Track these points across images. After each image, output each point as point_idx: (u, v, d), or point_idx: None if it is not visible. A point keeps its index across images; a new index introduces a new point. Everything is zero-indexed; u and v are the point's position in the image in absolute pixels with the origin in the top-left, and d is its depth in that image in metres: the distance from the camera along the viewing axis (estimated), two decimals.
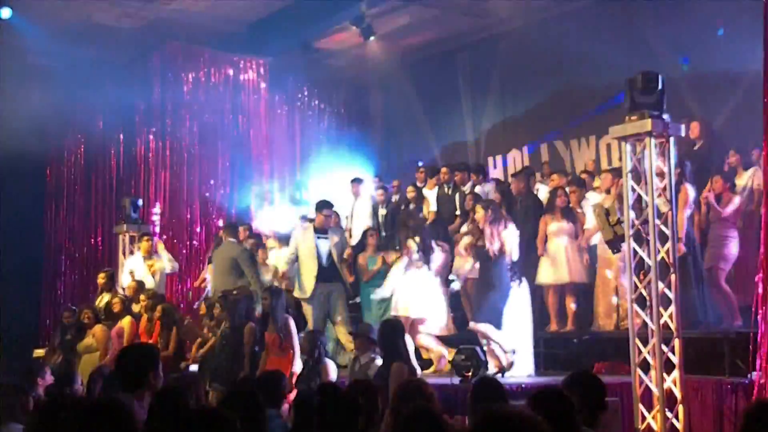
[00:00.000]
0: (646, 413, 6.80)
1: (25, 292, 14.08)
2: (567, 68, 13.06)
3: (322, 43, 14.29)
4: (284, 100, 15.75)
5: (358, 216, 11.90)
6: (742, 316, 7.83)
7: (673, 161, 7.04)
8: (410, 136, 15.67)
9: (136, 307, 9.97)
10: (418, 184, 11.90)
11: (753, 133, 8.30)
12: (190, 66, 14.20)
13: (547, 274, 9.25)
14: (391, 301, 9.19)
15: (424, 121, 15.26)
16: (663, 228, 6.97)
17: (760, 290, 6.45)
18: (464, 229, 9.73)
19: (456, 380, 7.40)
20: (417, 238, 9.18)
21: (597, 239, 9.11)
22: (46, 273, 15.08)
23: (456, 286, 9.54)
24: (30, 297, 14.43)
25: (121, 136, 14.59)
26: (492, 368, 8.07)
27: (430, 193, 11.52)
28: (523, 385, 7.36)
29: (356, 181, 12.24)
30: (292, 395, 5.99)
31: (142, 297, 9.94)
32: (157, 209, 13.59)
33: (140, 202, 12.41)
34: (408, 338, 7.23)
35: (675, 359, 6.80)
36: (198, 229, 14.00)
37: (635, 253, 7.03)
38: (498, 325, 8.09)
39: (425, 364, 8.76)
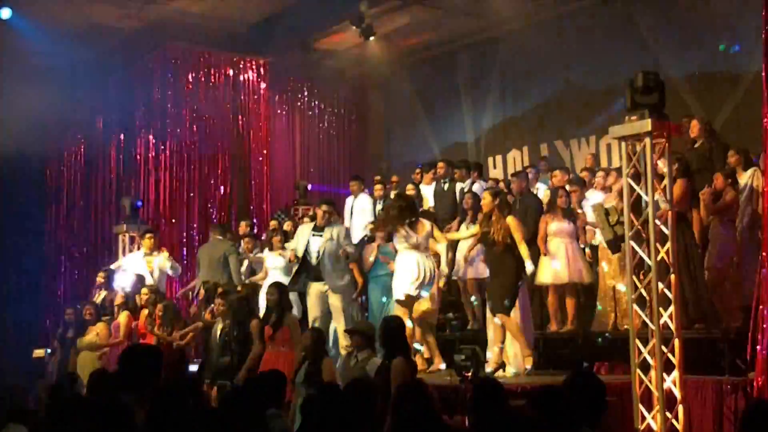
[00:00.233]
0: (645, 413, 6.80)
1: (25, 292, 14.09)
2: (567, 69, 13.07)
3: (322, 43, 14.30)
4: (284, 100, 15.78)
5: (357, 213, 11.87)
6: (742, 316, 7.82)
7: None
8: (410, 136, 15.66)
9: (137, 301, 10.06)
10: (414, 182, 11.90)
11: (753, 133, 8.31)
12: (190, 66, 14.21)
13: (546, 273, 9.25)
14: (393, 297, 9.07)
15: (424, 121, 15.28)
16: (663, 228, 6.97)
17: (760, 290, 6.45)
18: (463, 230, 9.68)
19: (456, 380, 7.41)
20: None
21: (597, 239, 9.12)
22: (46, 273, 15.09)
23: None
24: (30, 297, 14.44)
25: (121, 136, 14.60)
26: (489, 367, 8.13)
27: (428, 189, 11.51)
28: (523, 385, 7.36)
29: (355, 180, 12.23)
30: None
31: (144, 290, 10.07)
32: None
33: (140, 202, 12.46)
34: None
35: (675, 359, 6.80)
36: (197, 228, 14.01)
37: (635, 253, 7.04)
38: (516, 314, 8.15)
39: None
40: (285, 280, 9.57)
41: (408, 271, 8.50)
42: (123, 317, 9.81)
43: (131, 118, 14.24)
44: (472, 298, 9.80)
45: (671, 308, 6.87)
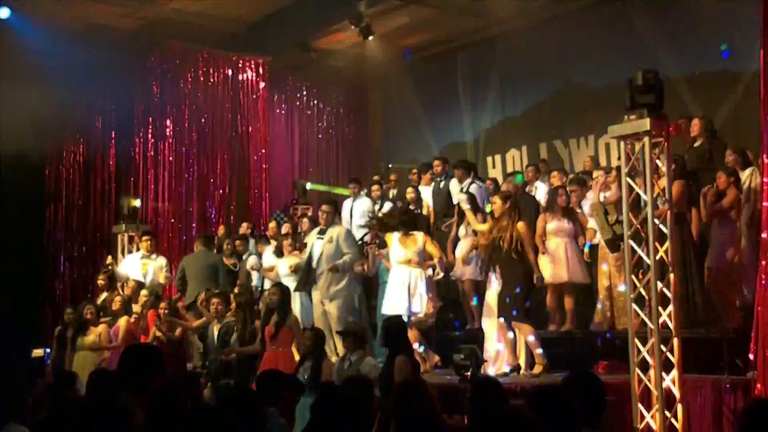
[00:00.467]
0: (645, 413, 6.81)
1: (24, 292, 14.07)
2: (567, 68, 13.07)
3: (322, 43, 14.30)
4: (283, 99, 15.78)
5: (356, 216, 11.87)
6: (742, 315, 7.83)
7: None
8: (409, 136, 15.66)
9: (136, 307, 10.03)
10: (413, 185, 11.88)
11: (752, 133, 8.31)
12: (189, 66, 14.21)
13: (545, 273, 9.24)
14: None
15: (424, 121, 15.27)
16: (662, 227, 6.98)
17: (760, 290, 6.45)
18: (462, 232, 9.67)
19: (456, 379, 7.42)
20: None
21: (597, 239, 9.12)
22: (46, 273, 15.08)
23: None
24: (30, 297, 14.42)
25: (121, 136, 14.59)
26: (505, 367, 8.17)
27: (427, 190, 11.49)
28: (523, 385, 7.36)
29: (354, 182, 12.22)
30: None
31: (143, 293, 10.07)
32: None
33: (139, 202, 12.46)
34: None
35: (674, 359, 6.80)
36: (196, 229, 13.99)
37: (634, 252, 7.04)
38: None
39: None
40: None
41: (396, 291, 8.49)
42: (122, 322, 9.77)
43: (131, 117, 14.23)
44: (474, 301, 9.79)
45: (670, 307, 6.87)
